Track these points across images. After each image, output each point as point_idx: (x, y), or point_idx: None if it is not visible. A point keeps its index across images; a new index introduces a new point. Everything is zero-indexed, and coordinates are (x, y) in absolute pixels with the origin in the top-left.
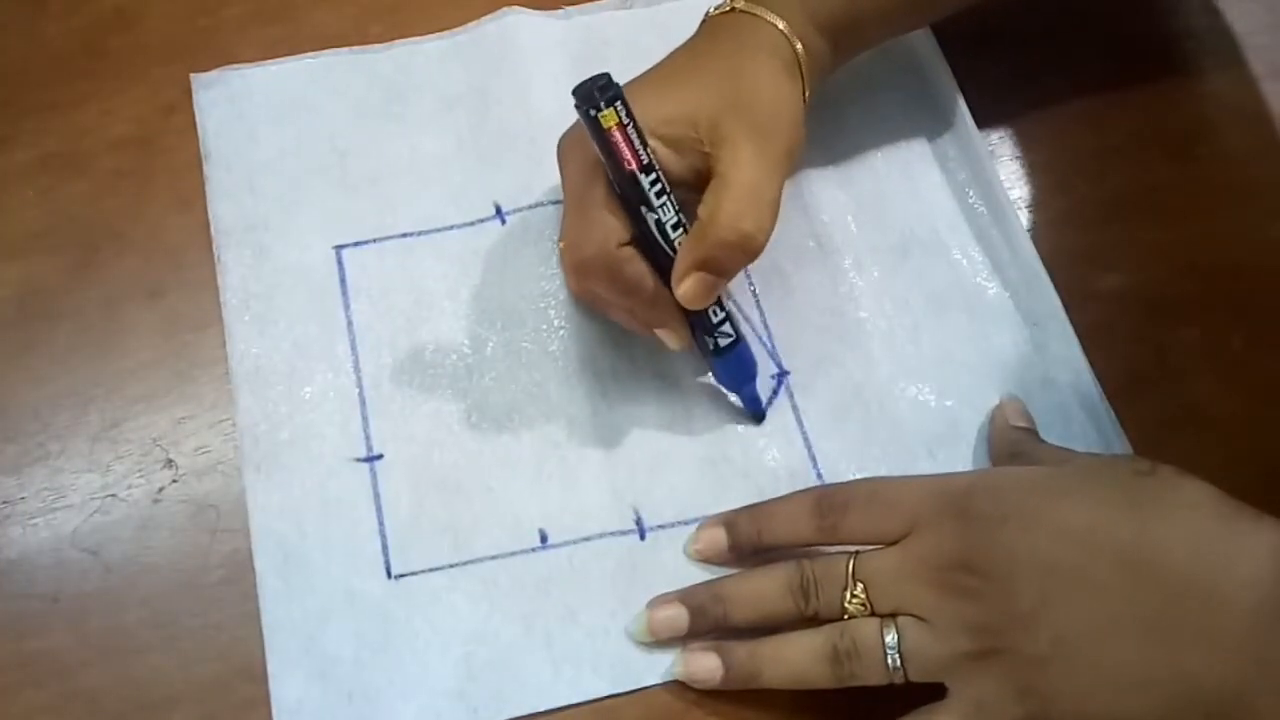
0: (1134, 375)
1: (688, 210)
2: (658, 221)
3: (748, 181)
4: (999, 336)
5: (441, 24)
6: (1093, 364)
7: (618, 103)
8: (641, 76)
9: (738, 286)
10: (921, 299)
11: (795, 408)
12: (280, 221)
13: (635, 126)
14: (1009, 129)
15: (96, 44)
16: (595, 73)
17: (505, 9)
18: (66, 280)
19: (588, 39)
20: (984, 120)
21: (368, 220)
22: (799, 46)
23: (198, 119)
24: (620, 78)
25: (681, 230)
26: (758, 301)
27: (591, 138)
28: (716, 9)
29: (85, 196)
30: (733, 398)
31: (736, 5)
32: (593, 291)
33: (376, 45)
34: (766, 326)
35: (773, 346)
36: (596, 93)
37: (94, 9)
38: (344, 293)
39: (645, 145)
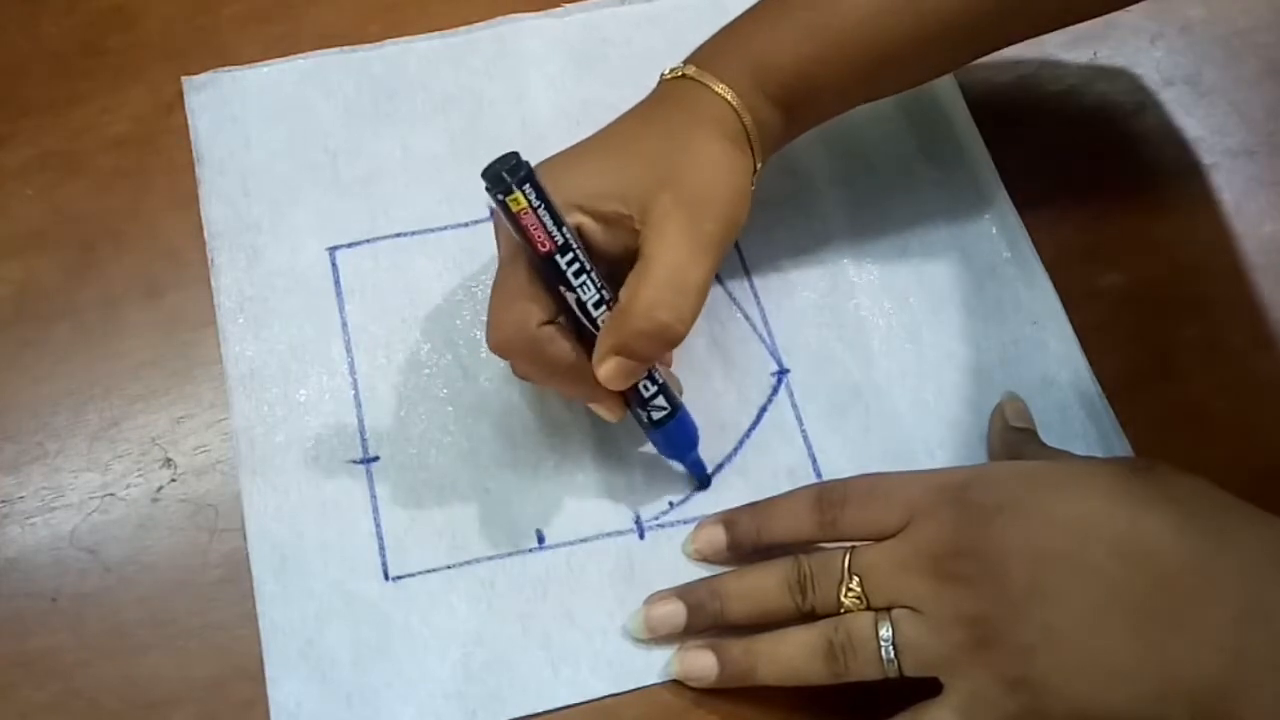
0: (1134, 375)
1: (616, 284)
2: (578, 301)
3: (671, 266)
4: (998, 335)
5: (440, 23)
6: (1092, 363)
7: (526, 185)
8: (581, 144)
9: (739, 285)
10: (921, 297)
11: (795, 406)
12: (273, 223)
13: (548, 206)
14: (1008, 128)
15: (95, 43)
16: (600, 77)
17: (501, 18)
18: (65, 279)
19: (586, 37)
20: (983, 119)
21: (361, 221)
22: (748, 119)
23: (189, 121)
24: (619, 76)
25: (605, 307)
26: (758, 300)
27: (505, 220)
28: (670, 72)
29: (84, 195)
30: (676, 465)
31: (688, 72)
32: (518, 370)
33: (367, 45)
34: (766, 325)
35: (773, 344)
36: (505, 175)
37: (93, 7)
38: (338, 294)
39: (561, 225)
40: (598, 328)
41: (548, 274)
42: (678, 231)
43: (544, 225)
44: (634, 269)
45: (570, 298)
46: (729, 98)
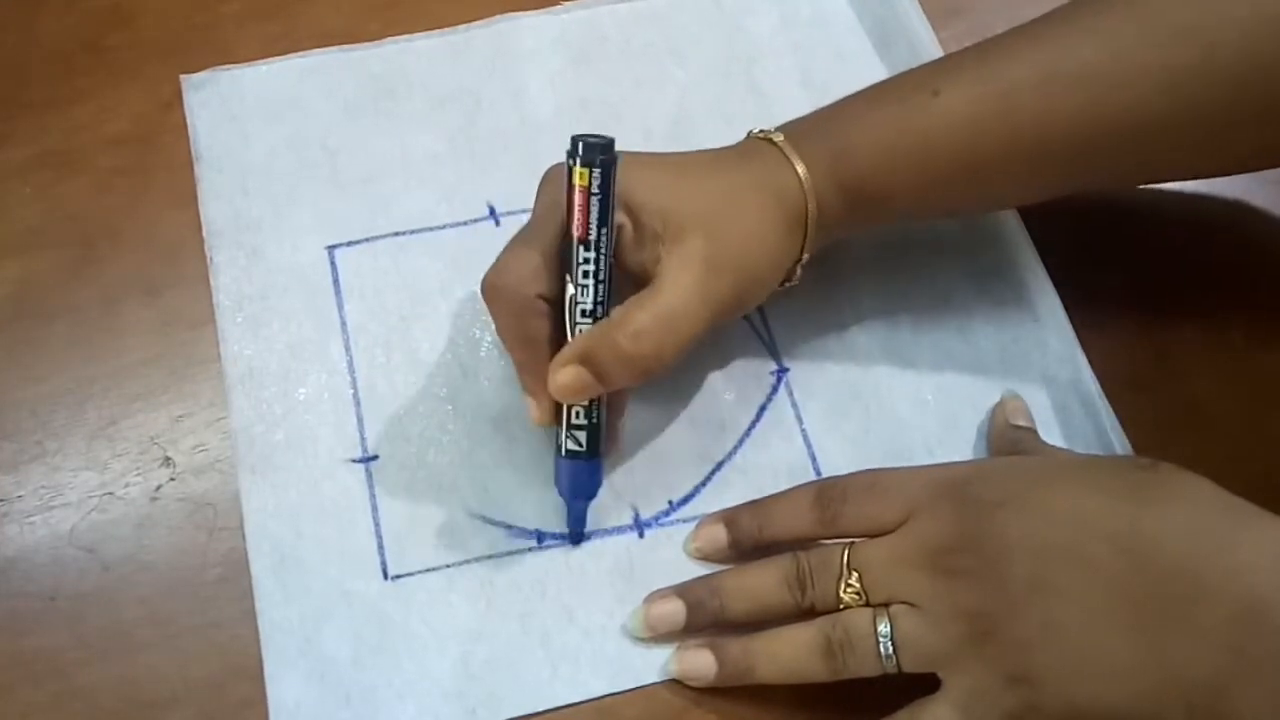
0: (1134, 375)
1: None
2: (572, 298)
3: (673, 307)
4: (999, 334)
5: (439, 21)
6: (1092, 363)
7: (598, 170)
8: (661, 155)
9: None
10: (921, 296)
11: (795, 405)
12: (272, 222)
13: (605, 200)
14: None
15: (94, 41)
16: (599, 75)
17: (499, 16)
18: (64, 277)
19: (586, 36)
20: None
21: (360, 220)
22: (811, 205)
23: (188, 120)
24: (618, 74)
25: (589, 320)
26: None
27: (564, 186)
28: (760, 132)
29: (82, 194)
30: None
31: (774, 138)
32: (495, 320)
33: (367, 43)
34: (766, 323)
35: (772, 343)
36: (590, 150)
37: (91, 6)
38: (337, 293)
39: (604, 225)
40: (574, 334)
41: (564, 257)
42: (692, 280)
43: (590, 212)
44: (639, 293)
45: (569, 291)
46: (802, 176)
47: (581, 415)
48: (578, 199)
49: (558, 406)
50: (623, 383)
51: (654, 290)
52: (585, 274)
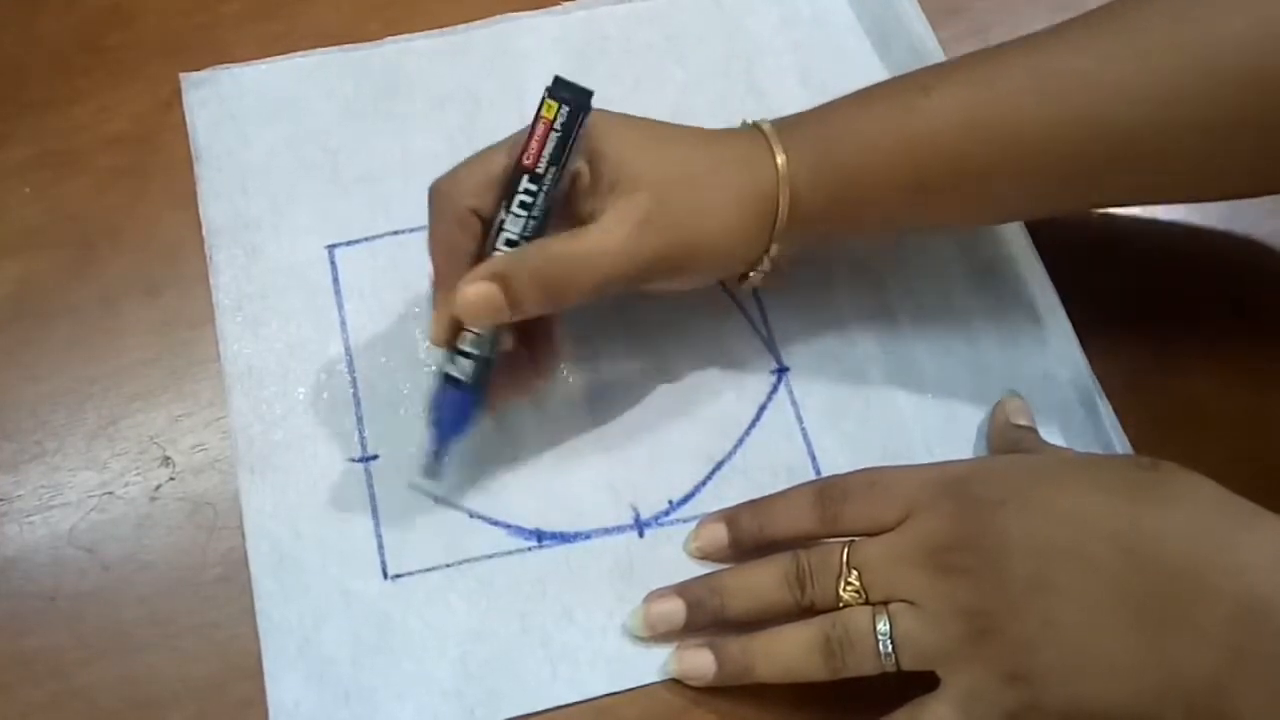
0: (1134, 374)
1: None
2: (501, 223)
3: (595, 241)
4: (999, 333)
5: (439, 21)
6: (1092, 362)
7: (567, 109)
8: (647, 119)
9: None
10: (921, 296)
11: (795, 404)
12: (272, 221)
13: (564, 140)
14: None
15: (93, 40)
16: (599, 75)
17: (500, 16)
18: (63, 277)
19: (586, 36)
20: None
21: (360, 219)
22: (784, 199)
23: (187, 119)
24: (619, 73)
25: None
26: (758, 297)
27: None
28: (751, 120)
29: (82, 193)
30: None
31: (762, 126)
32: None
33: (367, 43)
34: (766, 322)
35: (772, 342)
36: (566, 87)
37: (91, 5)
38: (337, 292)
39: (556, 164)
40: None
41: (508, 180)
42: (624, 228)
43: (545, 145)
44: (572, 228)
45: (499, 217)
46: (779, 164)
47: (471, 344)
48: (539, 129)
49: (455, 332)
50: (531, 309)
51: (586, 231)
52: (522, 205)
